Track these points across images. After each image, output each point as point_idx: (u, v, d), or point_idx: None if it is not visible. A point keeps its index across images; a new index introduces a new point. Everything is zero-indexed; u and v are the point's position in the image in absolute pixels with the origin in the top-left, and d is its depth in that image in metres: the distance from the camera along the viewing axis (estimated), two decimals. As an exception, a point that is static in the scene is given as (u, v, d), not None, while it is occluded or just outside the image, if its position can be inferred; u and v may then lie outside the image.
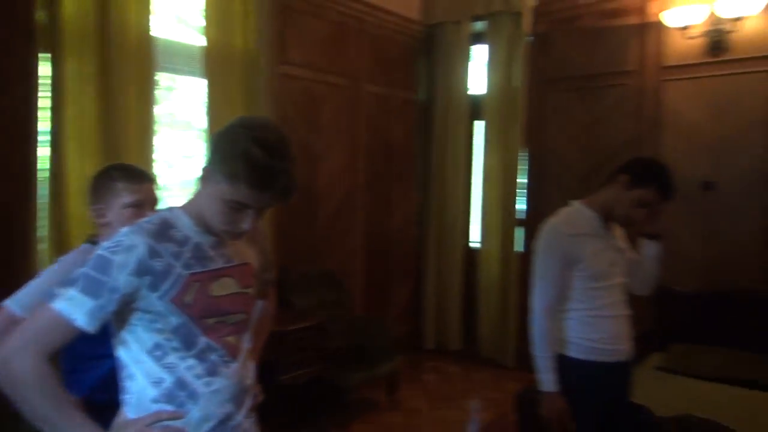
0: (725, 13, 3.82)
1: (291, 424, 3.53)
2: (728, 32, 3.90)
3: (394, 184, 5.22)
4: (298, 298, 4.00)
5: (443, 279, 5.34)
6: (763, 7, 3.77)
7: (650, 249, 2.26)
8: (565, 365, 2.11)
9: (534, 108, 4.87)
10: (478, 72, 5.24)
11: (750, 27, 3.86)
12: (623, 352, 2.16)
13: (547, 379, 2.10)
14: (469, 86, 5.22)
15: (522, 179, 4.95)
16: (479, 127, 5.24)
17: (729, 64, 3.96)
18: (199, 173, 1.30)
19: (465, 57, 5.16)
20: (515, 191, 4.93)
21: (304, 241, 4.37)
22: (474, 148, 5.41)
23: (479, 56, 5.26)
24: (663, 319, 4.13)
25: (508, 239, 4.94)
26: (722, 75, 3.99)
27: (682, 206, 4.16)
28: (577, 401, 2.09)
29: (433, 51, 5.33)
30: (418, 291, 5.44)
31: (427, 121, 5.38)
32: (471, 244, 5.44)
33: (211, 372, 1.31)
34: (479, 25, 5.10)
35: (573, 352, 2.11)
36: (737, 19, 3.82)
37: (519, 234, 4.95)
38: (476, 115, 5.23)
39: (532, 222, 4.76)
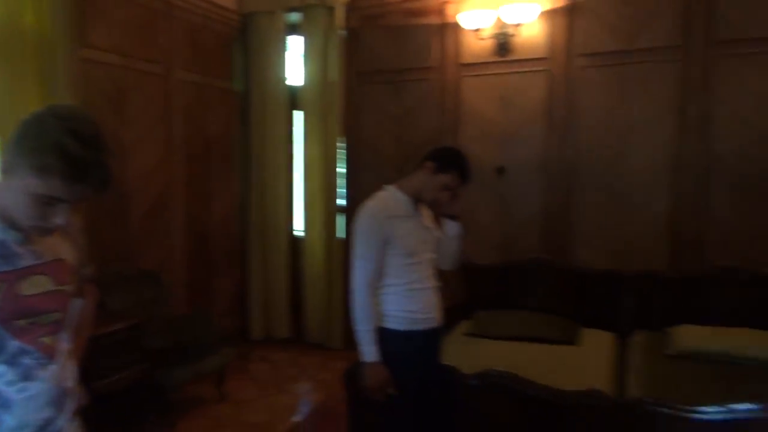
0: (509, 18, 4.35)
1: (114, 432, 3.34)
2: (511, 35, 4.46)
3: (213, 176, 5.10)
4: (112, 299, 3.76)
5: (269, 269, 5.35)
6: (537, 15, 4.38)
7: (452, 229, 2.55)
8: (385, 337, 2.31)
9: (350, 100, 5.10)
10: (296, 63, 5.31)
11: (528, 32, 4.46)
12: (435, 320, 2.42)
13: (369, 351, 2.28)
14: (287, 77, 5.27)
15: (342, 168, 5.16)
16: (300, 118, 5.32)
17: (513, 63, 4.54)
18: None
19: (281, 47, 5.19)
20: (335, 180, 5.12)
21: (117, 240, 4.11)
22: (295, 139, 5.48)
23: (296, 47, 5.33)
24: (469, 290, 4.62)
25: (330, 227, 5.12)
26: (508, 73, 4.56)
27: (481, 190, 4.70)
28: (398, 369, 2.30)
29: (249, 40, 5.27)
30: (244, 283, 5.41)
31: (246, 112, 5.33)
32: (295, 233, 5.53)
33: (26, 377, 1.24)
34: (294, 17, 5.16)
35: (392, 324, 2.32)
36: (518, 25, 4.39)
37: (341, 221, 5.16)
38: (296, 106, 5.30)
39: (352, 209, 4.99)
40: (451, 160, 2.36)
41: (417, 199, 2.41)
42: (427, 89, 4.83)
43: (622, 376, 3.35)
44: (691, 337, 3.56)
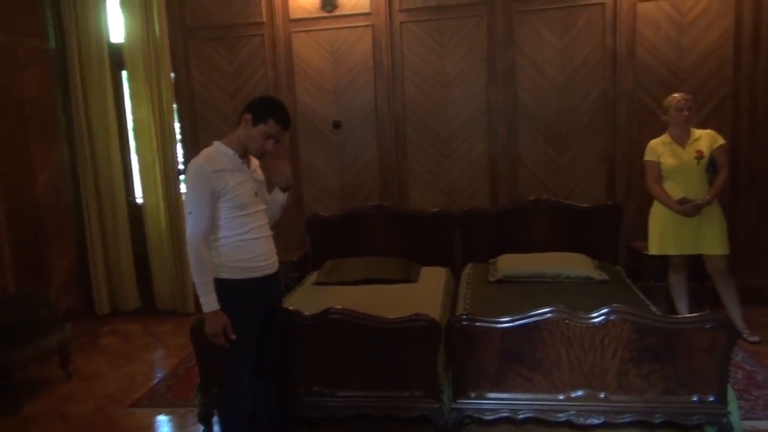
0: (332, -26, 4.47)
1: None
2: (336, -9, 4.59)
3: (33, 144, 4.71)
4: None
5: (109, 239, 5.15)
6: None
7: (279, 197, 2.70)
8: (222, 287, 2.41)
9: (179, 57, 4.93)
10: (119, 18, 4.98)
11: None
12: (271, 267, 2.57)
13: (208, 301, 2.38)
14: (108, 34, 4.95)
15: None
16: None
17: (340, 19, 4.69)
18: None
19: (99, 1, 4.85)
20: (174, 142, 4.97)
21: None
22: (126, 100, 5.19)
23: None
24: (315, 242, 4.82)
25: (171, 190, 4.98)
26: (336, 28, 4.71)
27: (320, 143, 4.87)
28: (237, 315, 2.42)
29: (59, -7, 4.84)
30: (84, 255, 5.14)
31: (64, 73, 4.94)
32: (137, 200, 5.33)
33: None
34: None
35: (227, 274, 2.43)
36: (343, -20, 4.53)
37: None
38: (123, 65, 5.01)
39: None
40: (266, 109, 2.44)
41: (245, 152, 2.50)
42: (259, 44, 4.83)
43: (455, 303, 3.77)
44: (508, 264, 4.09)
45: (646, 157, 3.86)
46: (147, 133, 4.94)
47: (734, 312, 3.83)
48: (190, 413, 3.28)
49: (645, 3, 4.34)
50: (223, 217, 2.41)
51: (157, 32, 4.79)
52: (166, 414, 3.41)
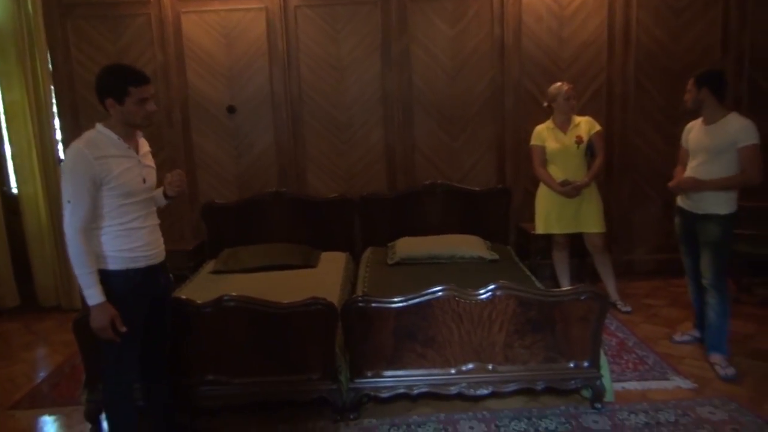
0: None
1: None
2: (228, -29, 4.45)
3: None
4: None
5: (-19, 233, 4.73)
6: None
7: (161, 200, 2.58)
8: (107, 278, 2.29)
9: (56, 36, 4.58)
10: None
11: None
12: (157, 256, 2.47)
13: (92, 294, 2.25)
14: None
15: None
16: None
17: (231, 1, 4.54)
18: None
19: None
20: (52, 128, 4.63)
21: None
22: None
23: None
24: (212, 230, 4.70)
25: (52, 179, 4.64)
26: (228, 10, 4.56)
27: (214, 129, 4.73)
28: (124, 307, 2.31)
29: None
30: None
31: None
32: (12, 190, 4.92)
33: None
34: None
35: (112, 265, 2.31)
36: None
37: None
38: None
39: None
40: (118, 82, 2.27)
41: (131, 133, 2.37)
42: (145, 24, 4.58)
43: (354, 286, 3.82)
44: (405, 247, 4.20)
45: (532, 142, 4.09)
46: (21, 117, 4.57)
47: (610, 285, 4.18)
48: (75, 412, 3.11)
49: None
50: (106, 206, 2.28)
51: (30, 8, 4.42)
52: (51, 414, 3.21)
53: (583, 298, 2.78)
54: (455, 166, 4.79)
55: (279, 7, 4.54)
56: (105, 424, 2.76)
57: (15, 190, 4.90)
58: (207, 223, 4.69)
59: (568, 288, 3.04)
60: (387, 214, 4.69)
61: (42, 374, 3.72)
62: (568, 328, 2.82)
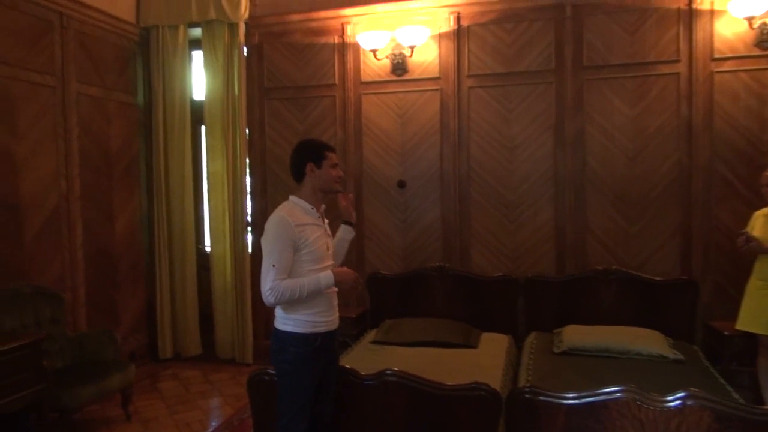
0: (403, 40, 4.62)
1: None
2: (407, 56, 4.73)
3: (116, 191, 5.01)
4: (7, 318, 3.63)
5: (177, 285, 5.29)
6: (427, 38, 4.68)
7: (346, 233, 2.81)
8: (290, 339, 2.43)
9: (254, 115, 5.17)
10: (201, 78, 5.33)
11: (421, 54, 4.75)
12: (334, 322, 2.58)
13: (322, 278, 2.46)
14: (191, 91, 5.27)
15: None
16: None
17: (409, 83, 4.81)
18: None
19: (184, 62, 5.19)
20: (243, 195, 5.15)
21: (10, 256, 3.97)
22: (203, 153, 5.46)
23: (201, 62, 5.35)
24: (375, 300, 4.80)
25: (238, 241, 5.13)
26: (405, 92, 4.83)
27: (384, 202, 4.92)
28: (300, 369, 2.42)
29: (150, 54, 5.24)
30: (152, 300, 5.31)
31: (149, 126, 5.28)
32: (205, 249, 5.49)
33: None
34: (197, 32, 5.18)
35: (294, 328, 2.45)
36: (412, 47, 4.66)
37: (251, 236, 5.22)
38: (203, 121, 5.30)
39: (260, 223, 5.08)
40: (316, 149, 2.57)
41: (322, 200, 2.60)
42: (329, 105, 5.01)
43: (517, 373, 3.62)
44: (574, 335, 3.90)
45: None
46: (220, 185, 5.15)
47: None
48: (240, 467, 3.25)
49: (722, 74, 4.23)
50: (297, 271, 2.46)
51: (236, 91, 5.07)
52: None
53: (800, 421, 2.33)
54: (632, 253, 4.43)
55: (453, 88, 4.71)
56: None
57: (208, 249, 5.45)
58: (371, 292, 4.81)
59: (780, 406, 2.58)
60: (554, 299, 4.44)
61: (214, 423, 3.97)
62: (778, 456, 2.37)
